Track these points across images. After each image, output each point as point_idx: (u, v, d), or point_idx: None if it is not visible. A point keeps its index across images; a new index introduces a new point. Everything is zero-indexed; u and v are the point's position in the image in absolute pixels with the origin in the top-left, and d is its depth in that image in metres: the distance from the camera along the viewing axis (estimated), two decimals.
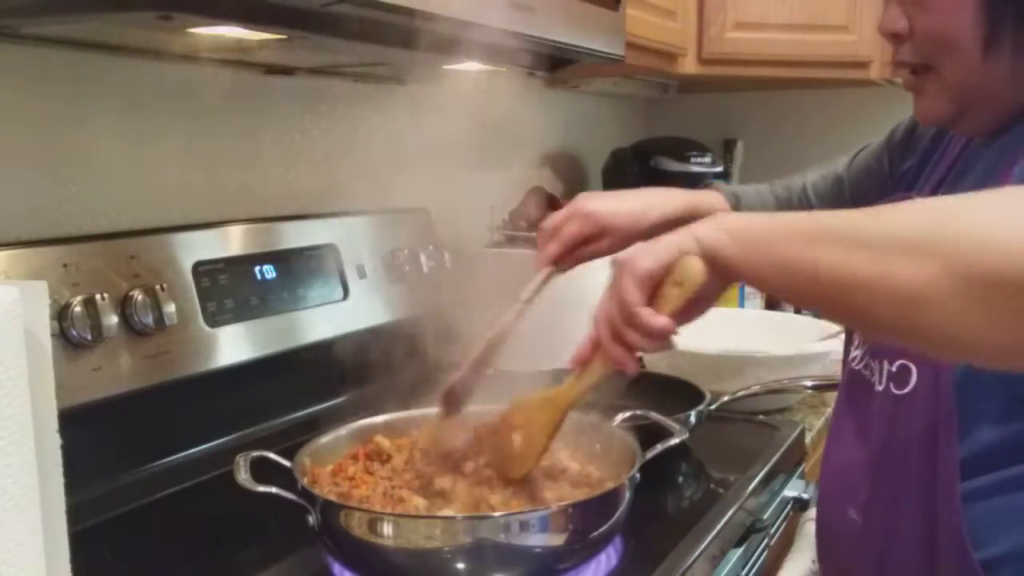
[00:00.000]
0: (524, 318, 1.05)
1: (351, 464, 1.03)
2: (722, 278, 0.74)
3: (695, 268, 0.72)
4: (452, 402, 1.03)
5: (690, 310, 0.76)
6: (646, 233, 1.05)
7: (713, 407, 1.36)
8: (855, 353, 1.00)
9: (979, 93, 0.87)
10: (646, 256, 0.74)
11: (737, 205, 1.21)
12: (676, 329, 0.76)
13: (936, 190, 0.98)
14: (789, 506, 1.35)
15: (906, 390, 0.89)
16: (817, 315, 1.73)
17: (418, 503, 0.93)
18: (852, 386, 1.00)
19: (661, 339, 0.76)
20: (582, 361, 0.84)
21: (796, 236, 0.68)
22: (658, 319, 0.74)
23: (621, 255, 0.76)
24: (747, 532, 1.18)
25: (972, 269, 0.59)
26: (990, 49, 0.84)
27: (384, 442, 1.06)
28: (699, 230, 0.73)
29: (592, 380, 0.84)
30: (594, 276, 1.28)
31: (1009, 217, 0.60)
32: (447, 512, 0.92)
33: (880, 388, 0.92)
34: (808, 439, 1.45)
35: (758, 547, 1.23)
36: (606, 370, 0.82)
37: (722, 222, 0.74)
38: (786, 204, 1.23)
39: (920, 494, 0.86)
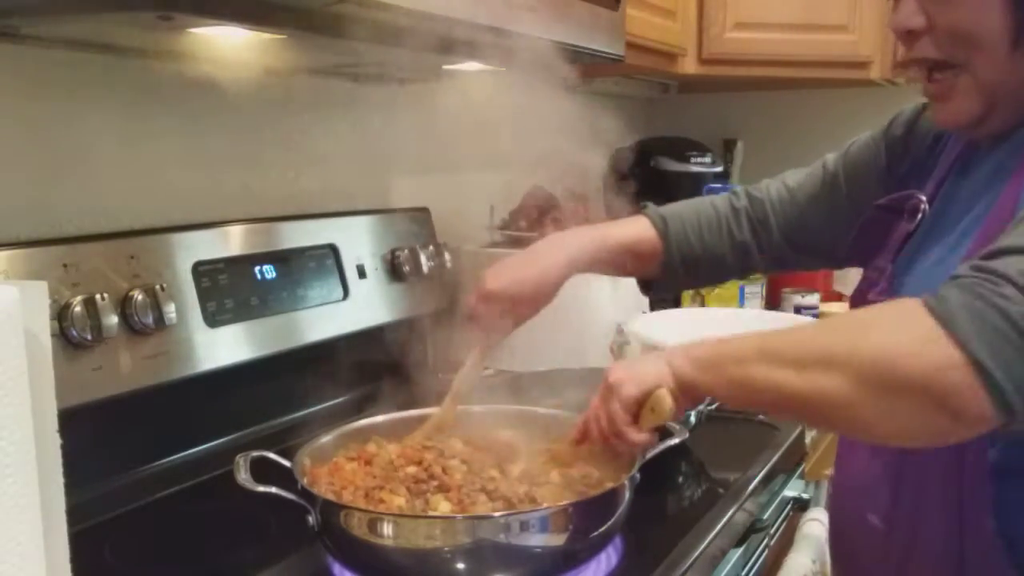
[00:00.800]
0: (459, 406, 1.12)
1: (347, 463, 1.03)
2: (691, 398, 0.88)
3: (667, 403, 0.87)
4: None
5: (664, 423, 0.92)
6: (557, 288, 1.13)
7: (713, 407, 1.36)
8: None
9: (1007, 91, 0.85)
10: (631, 386, 0.88)
11: (665, 228, 1.17)
12: (654, 441, 0.94)
13: (937, 190, 0.97)
14: (789, 506, 1.35)
15: None
16: (817, 316, 1.73)
17: (400, 504, 0.93)
18: None
19: (642, 449, 0.93)
20: (578, 442, 0.98)
21: (744, 358, 0.81)
22: (640, 436, 0.90)
23: (611, 378, 0.90)
24: (747, 532, 1.18)
25: (869, 378, 0.72)
26: (1019, 45, 0.81)
27: (372, 447, 1.06)
28: (672, 360, 0.87)
29: (583, 455, 1.00)
30: (592, 282, 1.28)
31: (894, 334, 0.72)
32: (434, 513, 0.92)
33: None
34: (808, 439, 1.45)
35: (758, 547, 1.23)
36: (593, 455, 0.99)
37: (688, 351, 0.87)
38: (743, 217, 1.18)
39: (945, 500, 0.85)
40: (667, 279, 1.21)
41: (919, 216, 0.96)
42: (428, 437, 1.08)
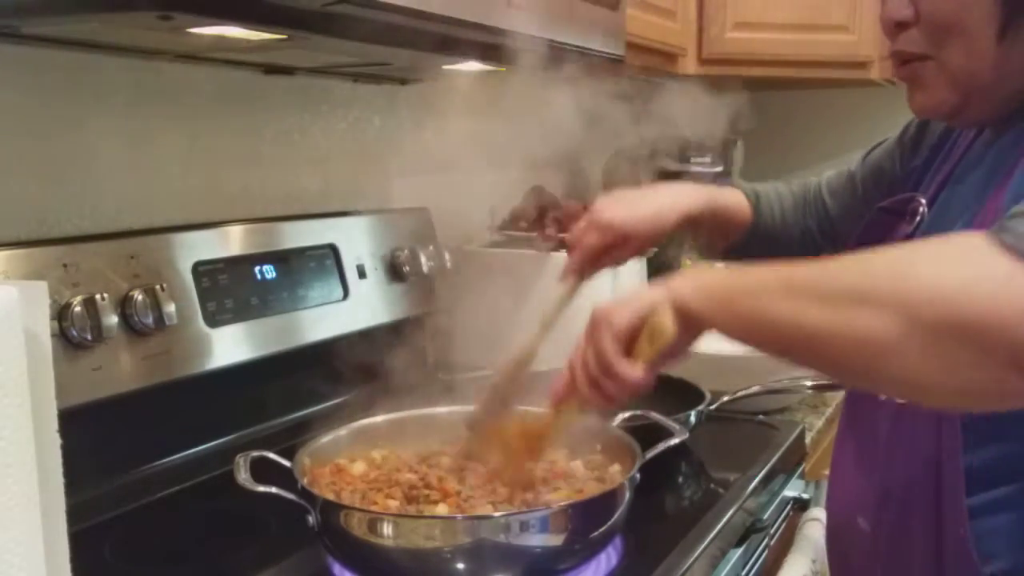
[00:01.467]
0: (549, 333, 1.05)
1: (351, 464, 1.03)
2: (692, 331, 0.78)
3: (666, 326, 0.75)
4: (478, 427, 1.03)
5: (663, 360, 0.80)
6: (667, 234, 1.09)
7: (713, 407, 1.36)
8: None
9: (985, 82, 0.84)
10: (623, 311, 0.78)
11: (757, 202, 1.20)
12: (651, 379, 0.80)
13: (941, 189, 0.96)
14: (789, 506, 1.35)
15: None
16: None
17: (391, 505, 0.93)
18: (856, 394, 1.00)
19: (636, 389, 0.81)
20: (558, 401, 0.88)
21: (764, 291, 0.71)
22: (634, 371, 0.78)
23: (598, 309, 0.81)
24: (747, 532, 1.18)
25: (924, 319, 0.62)
26: (1005, 36, 0.80)
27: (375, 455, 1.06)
28: (672, 285, 0.77)
29: (567, 419, 0.88)
30: (592, 281, 1.27)
31: (957, 269, 0.63)
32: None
33: (884, 397, 0.92)
34: (808, 439, 1.45)
35: (758, 547, 1.23)
36: (581, 410, 0.87)
37: (694, 278, 0.77)
38: (802, 202, 1.23)
39: (927, 506, 0.85)
40: (745, 249, 1.22)
41: (918, 219, 0.96)
42: (510, 375, 1.04)
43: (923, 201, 0.97)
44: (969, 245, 0.64)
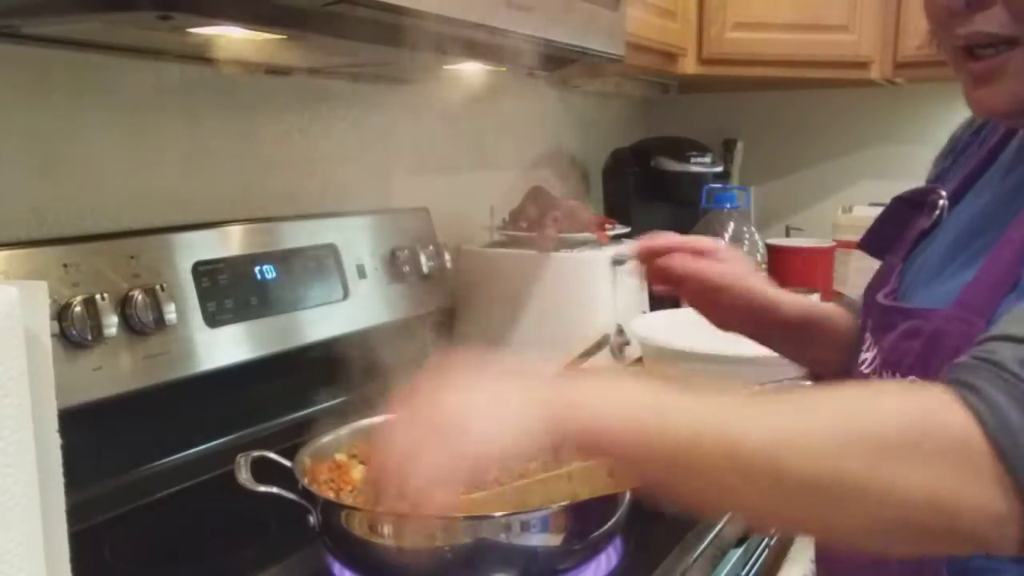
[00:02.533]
0: None
1: (350, 462, 1.03)
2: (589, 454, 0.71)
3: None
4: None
5: None
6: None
7: None
8: (865, 356, 0.91)
9: None
10: (486, 441, 0.62)
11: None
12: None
13: (962, 186, 0.90)
14: None
15: None
16: None
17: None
18: None
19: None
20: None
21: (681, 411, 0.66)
22: (449, 501, 0.63)
23: (452, 411, 0.65)
24: (747, 532, 1.18)
25: (777, 470, 0.60)
26: None
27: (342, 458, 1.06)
28: (553, 406, 0.63)
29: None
30: (591, 281, 1.28)
31: (941, 460, 0.59)
32: None
33: None
34: None
35: (758, 547, 1.23)
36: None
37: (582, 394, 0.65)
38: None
39: None
40: None
41: (937, 212, 0.90)
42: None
43: (943, 194, 0.90)
44: (949, 430, 0.59)
